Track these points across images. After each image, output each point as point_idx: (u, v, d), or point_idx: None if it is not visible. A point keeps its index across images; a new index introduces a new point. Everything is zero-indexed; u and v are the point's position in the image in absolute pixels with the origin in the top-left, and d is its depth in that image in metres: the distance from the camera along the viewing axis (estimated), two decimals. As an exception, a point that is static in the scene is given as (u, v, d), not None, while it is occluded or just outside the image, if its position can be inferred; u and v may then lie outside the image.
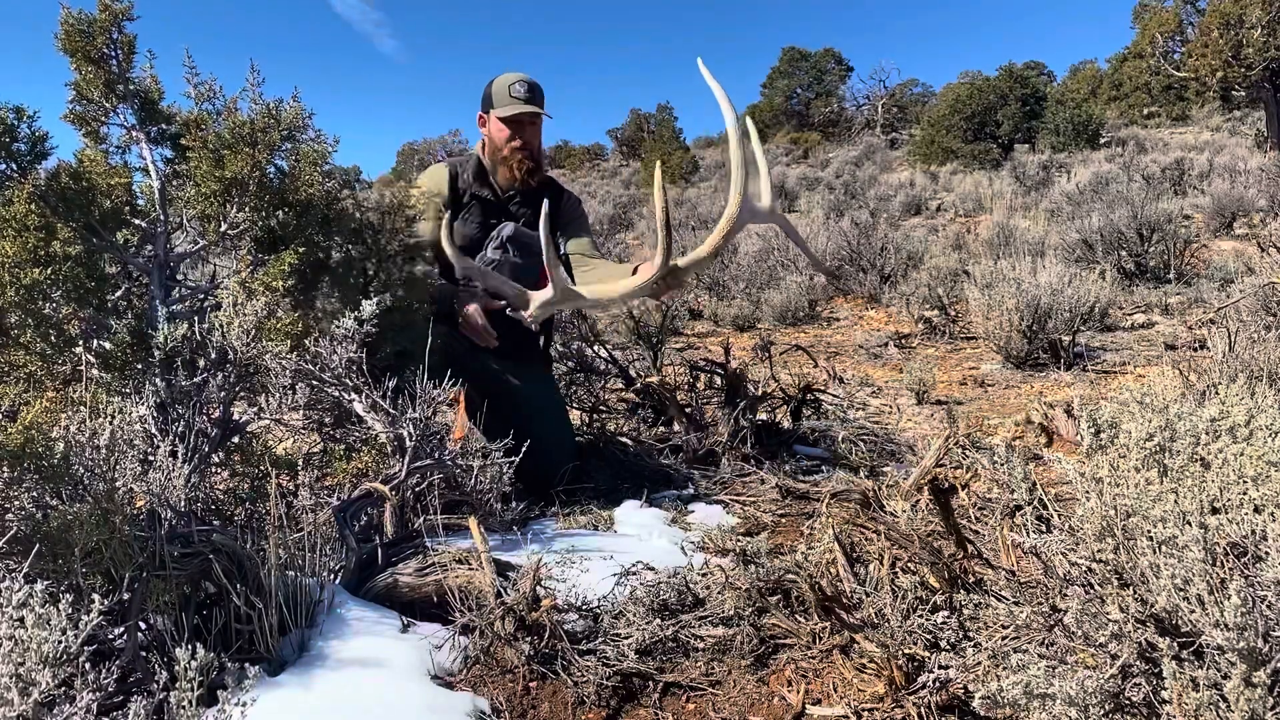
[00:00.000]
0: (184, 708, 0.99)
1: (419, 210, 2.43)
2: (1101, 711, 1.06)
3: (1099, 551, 1.18)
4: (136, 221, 1.98)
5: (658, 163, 2.25)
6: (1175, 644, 1.02)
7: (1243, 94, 20.21)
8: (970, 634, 1.44)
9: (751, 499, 2.48)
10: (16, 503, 1.26)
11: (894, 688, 1.39)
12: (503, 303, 2.43)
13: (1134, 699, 1.09)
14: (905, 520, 1.77)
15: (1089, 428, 1.33)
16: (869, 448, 2.97)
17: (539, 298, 2.30)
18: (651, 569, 1.79)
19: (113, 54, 1.93)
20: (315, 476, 1.88)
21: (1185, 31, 20.18)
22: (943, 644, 1.43)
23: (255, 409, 1.87)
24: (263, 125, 1.97)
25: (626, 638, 1.55)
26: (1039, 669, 1.10)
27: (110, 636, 1.28)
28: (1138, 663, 1.09)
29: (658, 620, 1.61)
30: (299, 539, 1.61)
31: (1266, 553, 1.01)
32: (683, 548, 1.99)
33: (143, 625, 1.32)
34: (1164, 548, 1.08)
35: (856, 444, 2.98)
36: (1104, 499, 1.18)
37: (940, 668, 1.36)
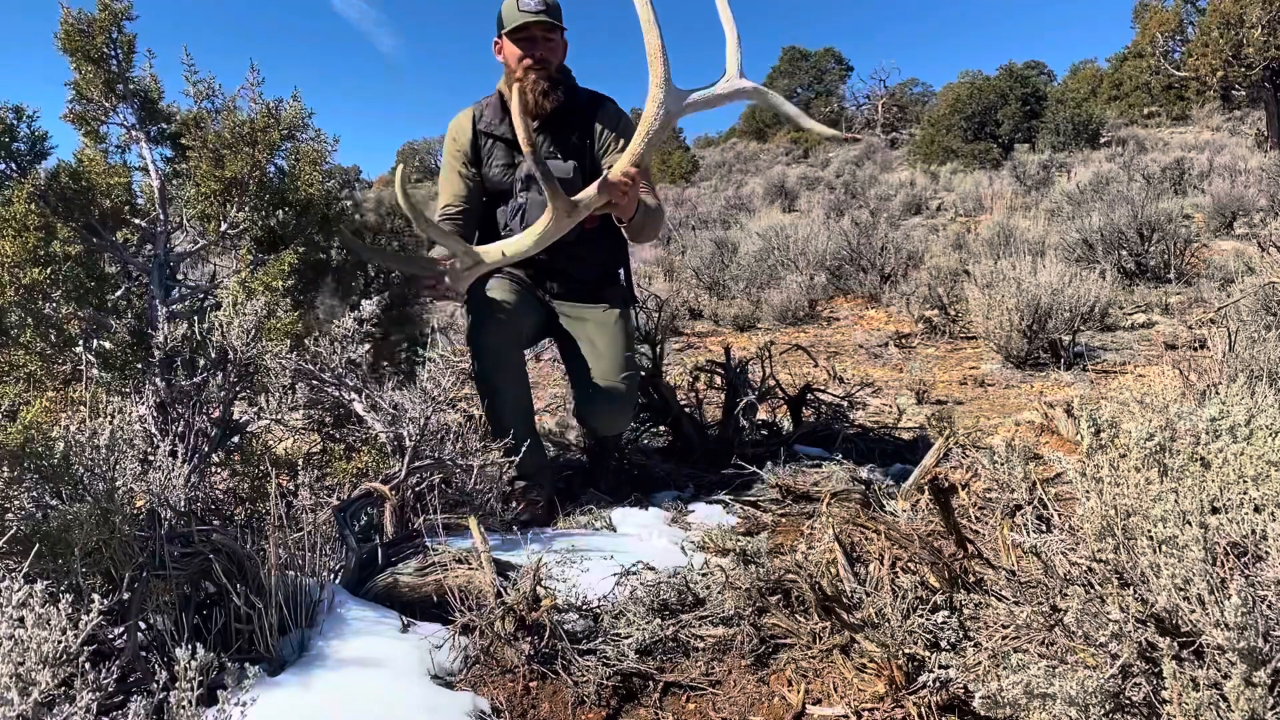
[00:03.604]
0: (184, 708, 0.99)
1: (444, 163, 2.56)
2: (1101, 711, 1.06)
3: (1099, 551, 1.18)
4: (136, 221, 1.98)
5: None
6: (1175, 644, 1.02)
7: (1243, 94, 20.20)
8: (970, 634, 1.44)
9: (751, 499, 2.48)
10: (16, 503, 1.26)
11: (894, 688, 1.39)
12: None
13: (1134, 699, 1.09)
14: (905, 520, 1.77)
15: (1089, 428, 1.33)
16: (869, 448, 2.97)
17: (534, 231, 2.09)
18: (651, 569, 1.79)
19: (112, 53, 1.93)
20: (315, 476, 1.88)
21: (1185, 31, 20.20)
22: (943, 644, 1.43)
23: (255, 409, 1.87)
24: (262, 125, 1.98)
25: (626, 637, 1.55)
26: (1039, 669, 1.10)
27: (110, 636, 1.28)
28: (1138, 663, 1.09)
29: (658, 620, 1.60)
30: (299, 539, 1.61)
31: (1266, 552, 1.01)
32: (683, 548, 1.99)
33: (143, 625, 1.32)
34: (1164, 547, 1.08)
35: (856, 444, 2.98)
36: (1104, 499, 1.18)
37: (940, 668, 1.36)
